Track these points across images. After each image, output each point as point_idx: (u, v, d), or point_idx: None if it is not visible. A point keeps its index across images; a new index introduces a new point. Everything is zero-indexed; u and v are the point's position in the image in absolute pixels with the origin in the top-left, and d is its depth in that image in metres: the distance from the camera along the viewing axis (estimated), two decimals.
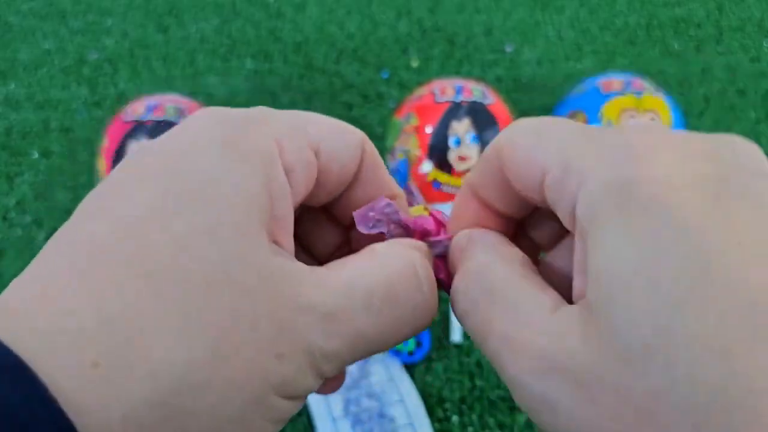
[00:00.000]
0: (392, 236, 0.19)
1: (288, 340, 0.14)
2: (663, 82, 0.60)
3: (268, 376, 0.14)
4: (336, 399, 0.42)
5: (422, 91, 0.49)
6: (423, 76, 0.62)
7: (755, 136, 0.56)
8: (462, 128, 0.46)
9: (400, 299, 0.16)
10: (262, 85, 0.62)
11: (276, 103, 0.60)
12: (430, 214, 0.20)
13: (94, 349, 0.12)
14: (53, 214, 0.53)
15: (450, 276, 0.19)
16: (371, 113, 0.59)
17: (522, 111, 0.58)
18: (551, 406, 0.14)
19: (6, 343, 0.12)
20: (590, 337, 0.13)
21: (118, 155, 0.46)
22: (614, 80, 0.49)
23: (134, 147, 0.46)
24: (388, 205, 0.18)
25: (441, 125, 0.46)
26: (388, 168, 0.53)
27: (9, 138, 0.58)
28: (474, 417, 0.42)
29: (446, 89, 0.48)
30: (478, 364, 0.45)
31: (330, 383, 0.18)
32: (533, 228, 0.19)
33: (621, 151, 0.14)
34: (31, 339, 0.12)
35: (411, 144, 0.47)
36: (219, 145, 0.15)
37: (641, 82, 0.48)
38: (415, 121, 0.47)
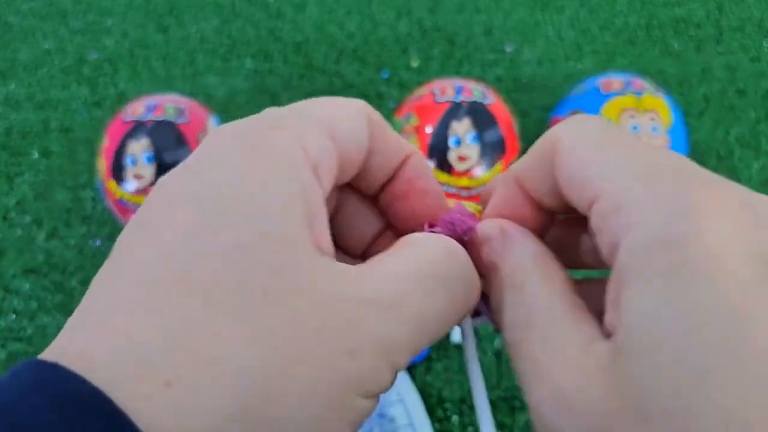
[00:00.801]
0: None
1: (356, 334, 0.14)
2: (663, 82, 0.60)
3: (344, 375, 0.14)
4: None
5: (422, 91, 0.49)
6: (423, 76, 0.62)
7: (755, 136, 0.56)
8: (462, 128, 0.46)
9: (451, 277, 0.16)
10: (262, 84, 0.62)
11: (276, 102, 0.60)
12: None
13: (165, 368, 0.13)
14: (53, 214, 0.53)
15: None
16: None
17: (522, 111, 0.58)
18: None
19: (80, 374, 0.12)
20: (613, 387, 0.13)
21: (118, 155, 0.46)
22: (614, 80, 0.49)
23: (134, 147, 0.46)
24: (471, 216, 0.19)
25: (441, 125, 0.46)
26: None
27: (9, 138, 0.58)
28: (474, 417, 0.42)
29: (446, 89, 0.48)
30: None
31: None
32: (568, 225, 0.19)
33: (680, 207, 0.14)
34: (101, 368, 0.13)
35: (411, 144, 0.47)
36: (248, 158, 0.15)
37: (641, 82, 0.48)
38: (415, 121, 0.47)
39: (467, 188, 0.45)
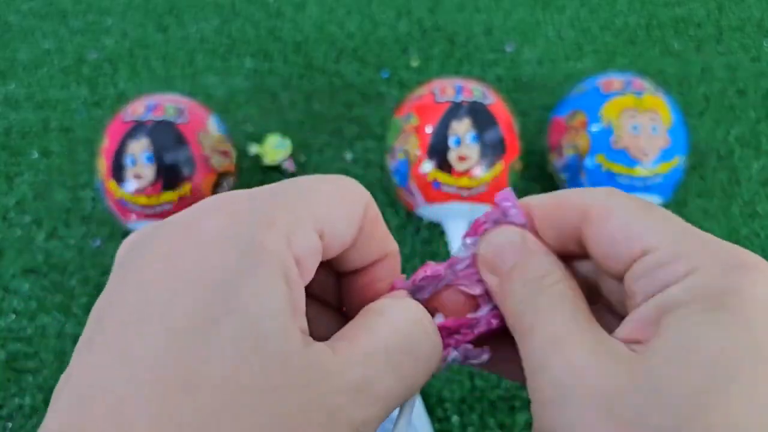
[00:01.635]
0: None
1: (336, 424, 0.15)
2: (663, 81, 0.60)
3: None
4: None
5: (422, 91, 0.49)
6: (423, 76, 0.61)
7: (755, 135, 0.56)
8: (462, 128, 0.46)
9: (414, 349, 0.18)
10: (262, 84, 0.62)
11: (276, 102, 0.60)
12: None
13: None
14: (53, 214, 0.53)
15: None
16: (371, 113, 0.59)
17: (522, 111, 0.58)
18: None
19: None
20: (632, 374, 0.15)
21: (118, 155, 0.46)
22: (614, 80, 0.49)
23: (134, 146, 0.46)
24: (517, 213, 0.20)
25: (441, 125, 0.46)
26: (388, 168, 0.53)
27: (8, 138, 0.58)
28: (474, 417, 0.42)
29: (446, 89, 0.48)
30: None
31: None
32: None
33: (732, 258, 0.16)
34: None
35: (411, 144, 0.47)
36: (238, 252, 0.16)
37: (641, 82, 0.48)
38: (415, 121, 0.47)
39: (467, 188, 0.45)
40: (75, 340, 0.46)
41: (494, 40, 0.64)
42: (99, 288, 0.45)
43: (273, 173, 0.56)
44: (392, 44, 0.64)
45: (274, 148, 0.56)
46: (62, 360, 0.45)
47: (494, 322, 0.20)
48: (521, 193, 0.27)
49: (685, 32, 0.65)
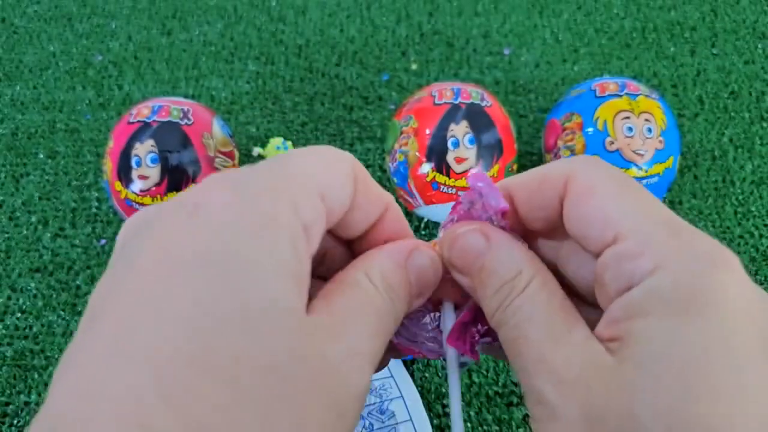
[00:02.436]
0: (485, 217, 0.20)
1: (340, 396, 0.16)
2: (658, 84, 0.61)
3: None
4: None
5: (421, 94, 0.50)
6: (422, 79, 0.62)
7: (749, 137, 0.57)
8: (460, 130, 0.46)
9: (389, 304, 0.19)
10: (265, 87, 0.63)
11: (278, 104, 0.61)
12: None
13: None
14: (59, 214, 0.54)
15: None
16: (371, 115, 0.60)
17: (519, 113, 0.59)
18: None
19: None
20: (610, 381, 0.15)
21: (124, 156, 0.47)
22: (609, 83, 0.50)
23: (139, 148, 0.47)
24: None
25: (439, 127, 0.47)
26: (388, 169, 0.54)
27: (15, 139, 0.59)
28: (472, 412, 0.43)
29: (445, 92, 0.49)
30: None
31: None
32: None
33: (703, 255, 0.15)
34: None
35: (410, 146, 0.47)
36: (247, 225, 0.16)
37: (636, 85, 0.49)
38: (414, 123, 0.48)
39: (465, 189, 0.46)
40: None
41: (492, 43, 0.65)
42: None
43: None
44: (392, 48, 0.65)
45: (276, 150, 0.56)
46: None
47: None
48: None
49: (679, 35, 0.66)
